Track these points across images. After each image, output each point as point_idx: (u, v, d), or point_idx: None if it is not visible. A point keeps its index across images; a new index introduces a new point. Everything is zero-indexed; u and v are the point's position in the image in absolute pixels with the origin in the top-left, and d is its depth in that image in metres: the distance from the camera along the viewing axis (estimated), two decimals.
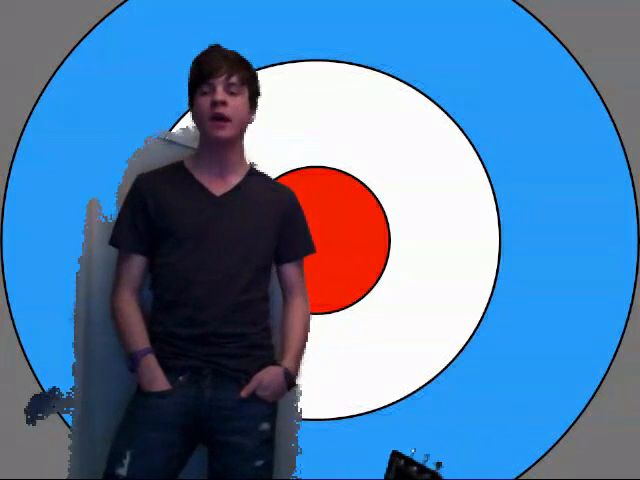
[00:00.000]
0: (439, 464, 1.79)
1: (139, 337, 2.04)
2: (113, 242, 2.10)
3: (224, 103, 1.98)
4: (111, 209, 2.18)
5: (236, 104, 2.01)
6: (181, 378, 2.00)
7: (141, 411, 2.01)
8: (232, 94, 2.00)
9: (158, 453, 1.97)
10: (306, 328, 2.16)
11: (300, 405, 2.28)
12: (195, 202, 2.05)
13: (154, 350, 2.03)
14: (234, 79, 2.01)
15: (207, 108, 1.99)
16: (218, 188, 2.07)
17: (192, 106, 2.05)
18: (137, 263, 2.08)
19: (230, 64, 2.01)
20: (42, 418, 2.27)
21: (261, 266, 2.08)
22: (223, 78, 1.99)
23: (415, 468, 1.81)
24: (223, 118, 1.99)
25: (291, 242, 2.15)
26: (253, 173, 2.14)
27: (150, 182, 2.08)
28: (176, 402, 1.99)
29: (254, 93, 2.08)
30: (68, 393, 2.24)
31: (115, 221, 2.10)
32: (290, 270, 2.17)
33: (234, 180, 2.09)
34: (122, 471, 1.95)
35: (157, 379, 2.00)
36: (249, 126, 2.11)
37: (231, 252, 2.03)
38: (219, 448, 2.03)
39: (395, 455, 1.84)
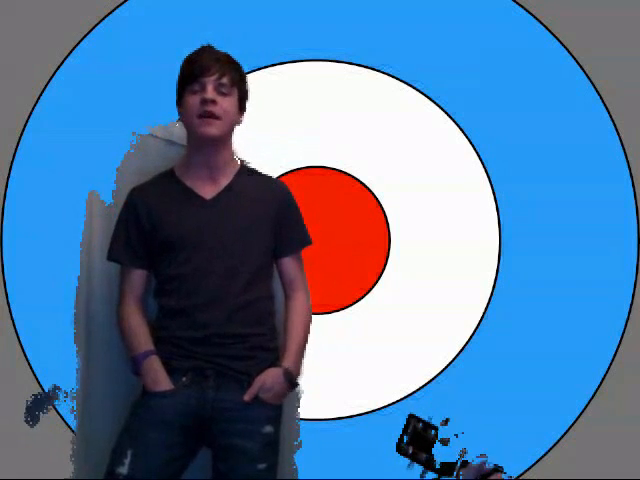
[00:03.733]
0: (445, 421, 1.81)
1: (142, 339, 2.05)
2: (111, 258, 2.11)
3: (214, 102, 1.99)
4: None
5: (226, 104, 2.01)
6: (184, 379, 2.01)
7: (144, 411, 2.01)
8: (222, 94, 2.01)
9: (159, 453, 1.97)
10: (307, 325, 2.15)
11: (300, 406, 2.27)
12: (186, 209, 2.05)
13: (157, 352, 2.03)
14: (225, 80, 2.01)
15: (196, 106, 1.99)
16: (208, 191, 2.07)
17: (180, 105, 2.06)
18: (137, 277, 2.09)
19: (221, 65, 2.01)
20: (43, 413, 2.27)
21: (260, 264, 2.08)
22: (214, 78, 2.00)
23: (433, 432, 1.83)
24: (213, 116, 1.99)
25: (287, 235, 2.14)
26: (244, 171, 2.14)
27: (142, 196, 2.09)
28: (179, 402, 1.99)
29: (243, 95, 2.08)
30: (67, 393, 2.24)
31: (112, 237, 2.11)
32: (289, 264, 2.16)
33: (224, 181, 2.09)
34: (123, 470, 1.95)
35: (160, 379, 2.00)
36: (246, 126, 2.11)
37: (228, 254, 2.03)
38: (222, 450, 2.02)
39: (412, 418, 1.85)
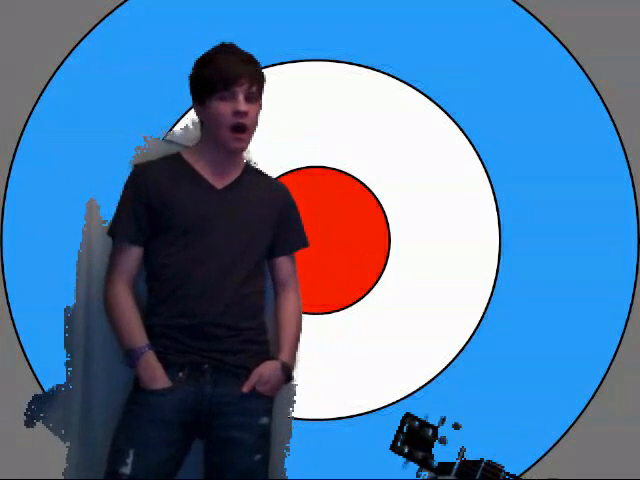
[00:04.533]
0: (457, 425, 1.80)
1: (137, 333, 2.02)
2: (112, 232, 2.08)
3: (246, 113, 1.99)
4: (111, 210, 2.17)
5: (254, 112, 2.02)
6: (181, 374, 2.01)
7: (142, 409, 2.01)
8: (250, 101, 2.01)
9: (161, 451, 1.98)
10: (299, 322, 2.17)
11: (294, 400, 2.27)
12: (197, 194, 2.05)
13: (153, 345, 2.02)
14: (254, 88, 2.01)
15: (228, 116, 1.99)
16: (219, 182, 2.08)
17: (202, 105, 2.03)
18: (134, 254, 2.06)
19: (251, 73, 2.01)
20: (41, 420, 2.27)
21: (258, 259, 2.10)
22: (245, 87, 1.99)
23: (430, 430, 1.82)
24: (245, 128, 1.99)
25: (286, 236, 2.16)
26: (249, 169, 2.15)
27: (149, 173, 2.07)
28: (177, 399, 1.99)
29: (262, 95, 2.09)
30: (63, 388, 2.23)
31: (114, 213, 2.09)
32: (284, 263, 2.17)
33: (234, 174, 2.10)
34: (126, 470, 1.95)
35: (157, 377, 1.99)
36: None
37: (231, 245, 2.04)
38: (219, 443, 2.03)
39: (408, 417, 1.85)
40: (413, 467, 1.87)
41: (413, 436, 1.84)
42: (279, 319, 2.15)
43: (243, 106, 1.98)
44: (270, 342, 2.14)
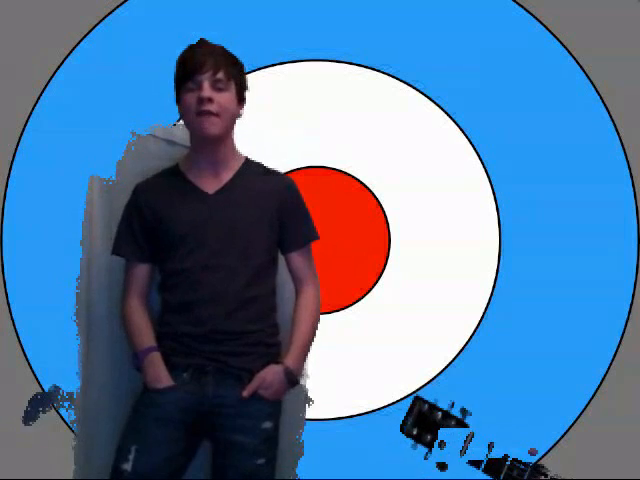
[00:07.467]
0: (465, 411, 1.81)
1: (144, 336, 2.06)
2: (116, 252, 2.11)
3: (210, 100, 1.97)
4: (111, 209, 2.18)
5: (223, 100, 1.99)
6: (185, 375, 2.02)
7: (145, 408, 2.03)
8: (219, 90, 1.99)
9: (161, 449, 1.99)
10: (314, 321, 2.14)
11: (305, 404, 2.27)
12: (188, 203, 2.05)
13: (159, 348, 2.04)
14: (220, 75, 1.99)
15: (194, 104, 1.98)
16: (211, 186, 2.07)
17: (179, 104, 2.05)
18: (141, 271, 2.10)
19: (216, 59, 1.99)
20: (42, 412, 2.27)
21: (263, 260, 2.08)
22: (209, 74, 1.98)
23: (439, 414, 1.83)
24: (211, 114, 1.98)
25: (293, 230, 2.13)
26: (248, 166, 2.13)
27: (146, 191, 2.09)
28: (179, 399, 2.00)
29: (241, 87, 2.06)
30: (69, 394, 2.24)
31: (116, 231, 2.11)
32: (296, 259, 2.15)
33: (227, 176, 2.09)
34: (127, 466, 1.97)
35: (160, 376, 2.01)
36: (246, 126, 2.10)
37: (228, 249, 2.03)
38: (221, 445, 2.04)
39: (418, 399, 1.85)
40: (421, 450, 1.87)
41: (422, 419, 1.85)
42: (293, 318, 2.13)
43: (206, 92, 1.96)
44: (282, 343, 2.13)
